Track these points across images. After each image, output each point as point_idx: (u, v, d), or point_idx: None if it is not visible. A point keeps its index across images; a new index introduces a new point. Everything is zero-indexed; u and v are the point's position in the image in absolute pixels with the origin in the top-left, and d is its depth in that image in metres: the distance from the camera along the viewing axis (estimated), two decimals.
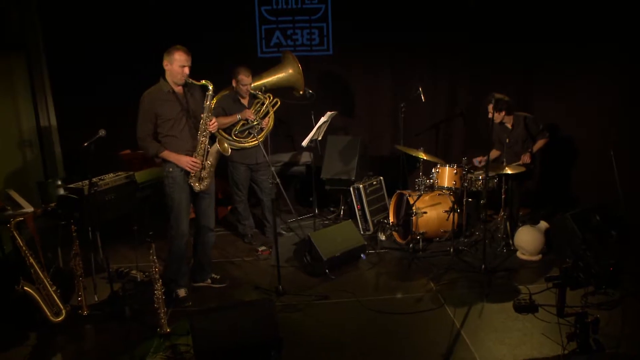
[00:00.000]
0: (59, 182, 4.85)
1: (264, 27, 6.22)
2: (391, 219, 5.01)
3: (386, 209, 5.28)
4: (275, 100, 4.82)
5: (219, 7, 5.99)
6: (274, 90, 4.99)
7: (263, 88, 4.88)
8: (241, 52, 5.99)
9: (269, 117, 4.79)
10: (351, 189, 5.12)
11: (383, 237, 4.92)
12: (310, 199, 5.38)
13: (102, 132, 3.61)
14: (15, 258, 3.70)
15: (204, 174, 3.73)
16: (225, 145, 3.76)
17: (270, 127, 4.81)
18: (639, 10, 4.84)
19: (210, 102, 3.68)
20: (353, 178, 5.21)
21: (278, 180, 4.25)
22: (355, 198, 5.11)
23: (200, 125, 3.69)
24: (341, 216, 5.48)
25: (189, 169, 3.67)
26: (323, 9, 6.19)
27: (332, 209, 5.87)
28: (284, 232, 5.23)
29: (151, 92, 3.69)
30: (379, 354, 3.13)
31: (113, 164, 5.28)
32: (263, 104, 4.77)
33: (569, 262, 3.36)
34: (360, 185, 5.08)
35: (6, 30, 5.83)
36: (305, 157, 5.70)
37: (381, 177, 5.39)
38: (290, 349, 3.09)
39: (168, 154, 3.66)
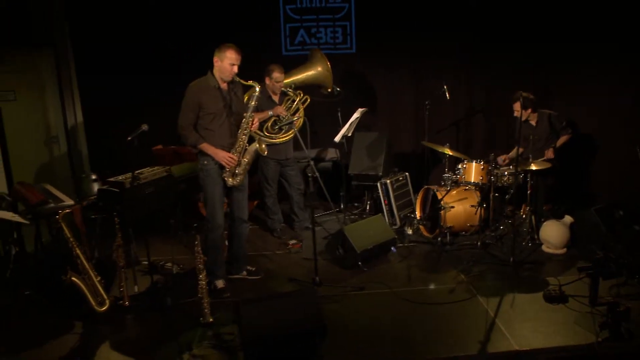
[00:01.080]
0: (94, 177, 4.97)
1: (288, 26, 6.33)
2: (418, 213, 5.12)
3: (412, 204, 5.39)
4: (305, 97, 4.93)
5: (246, 7, 6.10)
6: (301, 87, 5.12)
7: (293, 85, 5.00)
8: (266, 50, 6.09)
9: (299, 114, 4.90)
10: (379, 184, 5.23)
11: (410, 231, 5.03)
12: (341, 193, 5.49)
13: (144, 127, 3.72)
14: (58, 249, 3.85)
15: (238, 170, 3.85)
16: (264, 146, 3.90)
17: (300, 124, 4.92)
18: None
19: (255, 103, 3.79)
20: (380, 174, 5.32)
21: (317, 174, 4.33)
22: (382, 193, 5.22)
23: (242, 124, 3.81)
24: (367, 211, 5.59)
25: (224, 164, 3.78)
26: (347, 8, 6.30)
27: (355, 204, 5.98)
28: (310, 226, 5.33)
29: (198, 84, 3.81)
30: (417, 343, 3.23)
31: (146, 159, 5.45)
32: (294, 101, 4.88)
33: (600, 253, 3.48)
34: (388, 181, 5.19)
35: (34, 29, 5.96)
36: (332, 154, 5.81)
37: (407, 173, 5.50)
38: (332, 338, 3.19)
39: (206, 147, 3.77)
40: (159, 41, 6.03)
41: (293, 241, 4.93)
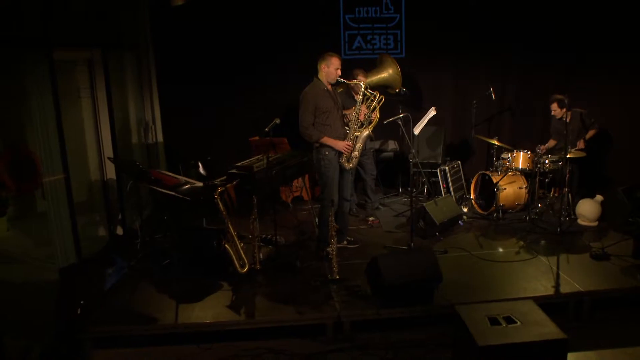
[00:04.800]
0: (200, 164, 5.82)
1: (347, 33, 7.25)
2: (472, 194, 6.13)
3: (463, 188, 6.40)
4: (381, 97, 5.85)
5: (312, 17, 6.98)
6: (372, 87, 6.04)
7: (367, 86, 5.91)
8: None
9: (376, 112, 5.83)
10: (438, 170, 6.23)
11: (465, 209, 6.04)
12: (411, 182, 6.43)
13: (277, 120, 4.62)
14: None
15: (354, 154, 4.78)
16: (371, 132, 4.81)
17: (377, 120, 5.85)
18: None
19: (361, 97, 4.72)
20: (440, 162, 6.31)
21: None
22: (441, 178, 6.22)
23: (352, 116, 4.73)
24: (425, 194, 6.58)
25: (344, 151, 4.71)
26: (398, 18, 7.25)
27: (409, 189, 6.96)
28: (381, 207, 6.31)
29: (311, 90, 4.70)
30: (501, 288, 4.24)
31: (243, 149, 6.36)
32: (372, 100, 5.80)
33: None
34: (447, 168, 6.19)
35: (121, 32, 6.74)
36: (392, 145, 6.77)
37: (459, 161, 6.51)
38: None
39: (327, 139, 4.68)
40: (235, 49, 6.87)
41: (372, 218, 5.90)
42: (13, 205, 5.86)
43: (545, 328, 3.26)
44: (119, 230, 5.94)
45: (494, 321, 3.33)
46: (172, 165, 6.93)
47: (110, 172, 5.94)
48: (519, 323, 3.31)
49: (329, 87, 4.76)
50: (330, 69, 4.66)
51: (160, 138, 7.39)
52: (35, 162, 4.28)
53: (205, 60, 6.96)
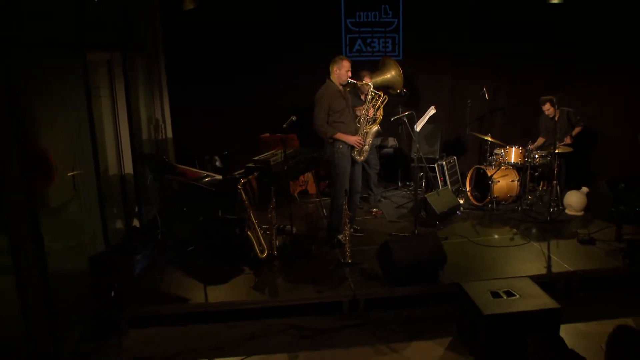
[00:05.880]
0: (217, 158, 6.18)
1: (348, 36, 7.67)
2: (468, 187, 6.59)
3: (459, 181, 6.86)
4: (385, 97, 6.27)
5: (314, 21, 7.39)
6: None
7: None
8: (329, 56, 7.38)
9: (380, 110, 6.25)
10: (436, 165, 6.67)
11: (462, 201, 6.49)
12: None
13: (293, 118, 5.02)
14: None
15: (364, 148, 5.19)
16: (379, 127, 5.24)
17: (381, 118, 6.27)
18: None
19: (370, 97, 5.14)
20: (437, 157, 6.76)
21: None
22: (439, 172, 6.66)
23: (363, 113, 5.15)
24: (423, 187, 7.01)
25: (356, 146, 5.12)
26: (396, 22, 7.69)
27: (407, 183, 7.42)
28: (382, 200, 6.74)
29: (324, 91, 5.10)
30: (499, 269, 4.68)
31: (251, 145, 6.74)
32: (377, 100, 6.22)
33: (623, 207, 5.07)
34: (444, 162, 6.64)
35: (134, 35, 7.06)
36: (392, 142, 7.20)
37: (455, 157, 6.96)
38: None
39: (340, 135, 5.09)
40: (242, 52, 7.25)
41: (375, 209, 6.32)
42: None
43: (541, 299, 3.72)
44: (136, 223, 6.27)
45: (495, 295, 3.78)
46: (181, 160, 7.27)
47: (128, 167, 6.26)
48: (517, 296, 3.76)
49: (340, 87, 5.16)
50: (341, 71, 5.07)
51: (170, 135, 7.74)
52: (49, 159, 4.51)
53: (214, 62, 7.33)
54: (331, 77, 5.16)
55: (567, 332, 3.78)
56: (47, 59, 4.19)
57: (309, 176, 7.08)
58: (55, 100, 4.48)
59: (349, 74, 5.11)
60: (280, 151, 5.59)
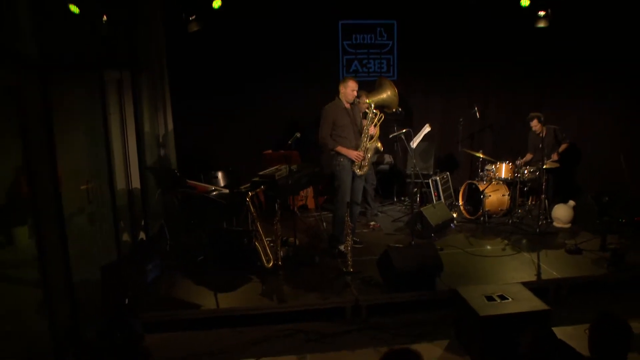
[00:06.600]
0: (219, 174, 6.46)
1: (345, 57, 8.03)
2: (460, 201, 6.90)
3: (452, 196, 7.18)
4: (381, 115, 6.61)
5: (312, 43, 7.72)
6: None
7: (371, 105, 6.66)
8: (327, 77, 7.77)
9: (377, 128, 6.57)
10: (430, 180, 6.99)
11: (455, 215, 6.80)
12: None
13: (297, 135, 5.31)
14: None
15: (364, 163, 5.50)
16: (379, 144, 5.55)
17: (377, 135, 6.58)
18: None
19: (371, 115, 5.45)
20: (431, 173, 7.08)
21: None
22: (433, 187, 6.98)
23: (365, 129, 5.46)
24: (418, 202, 7.31)
25: (355, 160, 5.42)
26: (390, 44, 8.07)
27: (402, 198, 7.73)
28: (379, 214, 7.03)
29: (331, 106, 5.44)
30: (492, 277, 4.97)
31: (253, 161, 7.02)
32: (373, 118, 6.54)
33: (607, 218, 5.40)
34: (437, 178, 6.96)
35: (140, 54, 7.35)
36: (388, 159, 7.52)
37: (448, 172, 7.29)
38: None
39: (341, 149, 5.40)
40: (243, 70, 7.56)
41: (373, 222, 6.60)
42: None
43: (532, 302, 4.01)
44: (142, 235, 6.49)
45: (489, 298, 4.06)
46: (185, 175, 7.52)
47: (135, 181, 6.50)
48: (510, 299, 4.05)
49: (347, 105, 5.49)
50: (347, 90, 5.42)
51: (173, 151, 7.99)
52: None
53: (216, 80, 7.62)
54: (339, 96, 5.49)
55: (557, 334, 4.04)
56: (69, 79, 4.47)
57: (308, 191, 7.35)
58: (73, 117, 4.76)
59: (355, 93, 5.45)
60: (284, 166, 5.89)
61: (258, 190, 5.24)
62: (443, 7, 7.56)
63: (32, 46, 3.57)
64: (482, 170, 7.00)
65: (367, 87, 7.11)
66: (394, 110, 6.82)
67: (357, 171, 5.47)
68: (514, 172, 6.64)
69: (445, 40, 7.82)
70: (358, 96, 6.36)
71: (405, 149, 7.22)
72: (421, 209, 6.09)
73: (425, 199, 7.14)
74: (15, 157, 3.54)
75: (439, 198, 6.97)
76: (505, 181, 6.74)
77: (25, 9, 3.54)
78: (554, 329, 3.99)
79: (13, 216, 3.88)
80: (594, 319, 2.43)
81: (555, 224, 6.48)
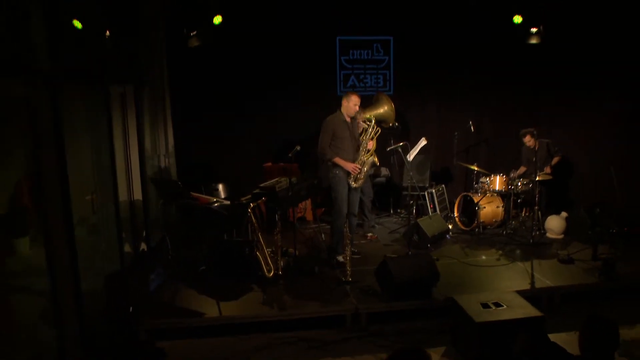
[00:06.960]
0: (220, 186, 6.59)
1: (342, 72, 8.23)
2: (456, 213, 7.06)
3: (447, 208, 7.33)
4: (378, 129, 6.77)
5: (311, 59, 7.90)
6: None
7: (366, 120, 6.83)
8: (324, 91, 7.97)
9: (374, 141, 6.73)
10: (426, 193, 7.15)
11: (450, 226, 6.95)
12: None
13: (298, 147, 5.46)
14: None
15: (359, 176, 5.64)
16: (376, 159, 5.71)
17: (374, 148, 6.75)
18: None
19: (371, 130, 5.61)
20: (427, 185, 7.24)
21: None
22: (428, 199, 7.13)
23: (363, 143, 5.62)
24: (413, 214, 7.45)
25: (352, 172, 5.57)
26: (387, 60, 8.28)
27: (398, 210, 7.88)
28: (376, 225, 7.16)
29: (332, 119, 5.59)
30: (487, 286, 5.10)
31: (252, 173, 7.16)
32: (371, 131, 6.71)
33: (599, 229, 5.56)
34: (433, 190, 7.12)
35: (142, 71, 7.52)
36: (384, 172, 7.68)
37: (443, 185, 7.45)
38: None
39: (339, 160, 5.54)
40: (243, 87, 7.73)
41: (370, 234, 6.74)
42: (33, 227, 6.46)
43: (526, 309, 4.14)
44: (143, 246, 6.59)
45: (485, 305, 4.19)
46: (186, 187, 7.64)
47: (137, 192, 6.62)
48: (505, 306, 4.18)
49: (348, 119, 5.65)
50: (349, 104, 5.58)
51: (174, 164, 8.12)
52: None
53: (216, 94, 7.77)
54: (341, 109, 5.65)
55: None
56: (77, 92, 4.62)
57: (306, 203, 7.48)
58: (80, 129, 4.89)
59: (357, 107, 5.62)
60: (284, 179, 6.03)
61: (260, 201, 5.35)
62: (438, 24, 7.78)
63: (44, 59, 3.71)
64: (477, 183, 7.17)
65: (364, 101, 7.25)
66: (391, 124, 7.01)
67: (352, 184, 5.61)
68: (508, 185, 6.80)
69: (441, 56, 8.03)
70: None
71: (402, 162, 7.41)
72: (417, 220, 6.23)
73: (421, 211, 7.28)
74: (21, 166, 3.66)
75: (434, 210, 7.12)
76: (500, 193, 6.90)
77: (38, 23, 3.69)
78: (548, 336, 4.17)
79: (17, 226, 3.99)
80: (584, 320, 2.57)
81: (548, 234, 6.64)
